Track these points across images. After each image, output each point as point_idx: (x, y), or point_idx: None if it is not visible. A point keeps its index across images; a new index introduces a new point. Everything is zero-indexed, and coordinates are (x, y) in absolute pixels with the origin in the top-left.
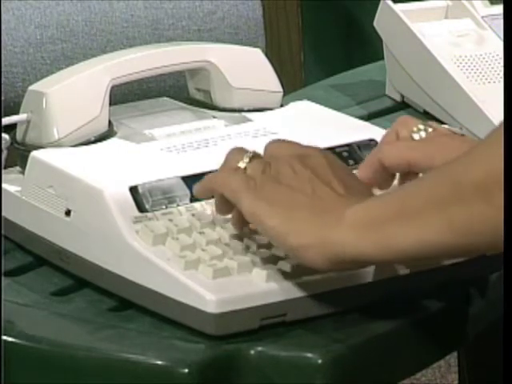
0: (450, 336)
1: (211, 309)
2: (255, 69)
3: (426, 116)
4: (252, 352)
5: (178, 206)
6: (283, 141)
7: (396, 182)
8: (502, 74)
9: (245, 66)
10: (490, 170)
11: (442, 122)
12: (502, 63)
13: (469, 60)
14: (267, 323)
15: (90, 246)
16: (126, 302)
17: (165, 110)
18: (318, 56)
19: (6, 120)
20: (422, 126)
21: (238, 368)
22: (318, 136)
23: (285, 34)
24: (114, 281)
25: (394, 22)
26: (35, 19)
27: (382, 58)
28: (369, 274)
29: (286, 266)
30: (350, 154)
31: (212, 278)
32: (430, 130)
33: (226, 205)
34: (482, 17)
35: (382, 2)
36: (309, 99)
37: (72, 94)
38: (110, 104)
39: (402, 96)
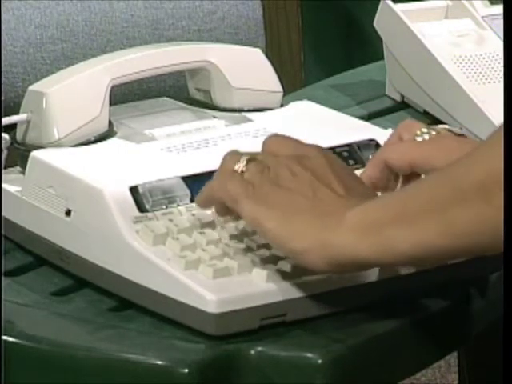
0: (449, 336)
1: (211, 309)
2: (255, 69)
3: (426, 116)
4: (252, 352)
5: (179, 205)
6: (282, 137)
7: (399, 185)
8: (501, 74)
9: (245, 66)
10: (490, 170)
11: (442, 122)
12: (501, 63)
13: (469, 60)
14: (267, 323)
15: (90, 246)
16: (126, 302)
17: (165, 110)
18: (318, 56)
19: (5, 120)
20: (425, 130)
21: (238, 368)
22: (318, 136)
23: (285, 34)
24: (114, 281)
25: (394, 21)
26: (35, 19)
27: (382, 58)
28: (369, 274)
29: (286, 266)
30: (350, 153)
31: (212, 278)
32: (433, 133)
33: (226, 210)
34: (482, 17)
35: (381, 2)
36: (309, 99)
37: (72, 94)
38: (110, 104)
39: (402, 96)
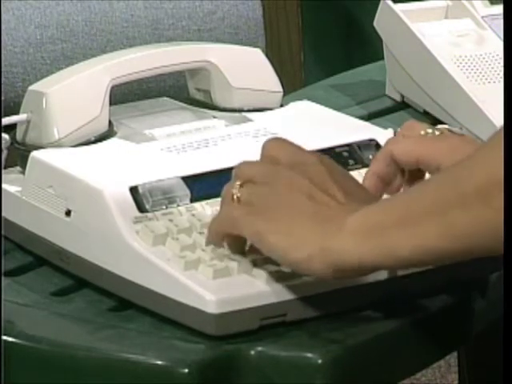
0: (449, 336)
1: (211, 309)
2: (255, 69)
3: (426, 116)
4: (252, 352)
5: (178, 206)
6: (281, 141)
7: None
8: (501, 74)
9: (245, 66)
10: (490, 172)
11: (442, 122)
12: (501, 63)
13: (469, 60)
14: (267, 323)
15: (90, 247)
16: (126, 302)
17: (165, 110)
18: (318, 56)
19: (5, 120)
20: (430, 130)
21: (238, 368)
22: (318, 136)
23: (285, 34)
24: (114, 281)
25: (394, 21)
26: (35, 19)
27: (382, 58)
28: (366, 275)
29: (285, 267)
30: (350, 153)
31: (212, 279)
32: (437, 133)
33: (235, 242)
34: (482, 17)
35: (382, 2)
36: (309, 99)
37: (72, 94)
38: (110, 104)
39: (402, 96)
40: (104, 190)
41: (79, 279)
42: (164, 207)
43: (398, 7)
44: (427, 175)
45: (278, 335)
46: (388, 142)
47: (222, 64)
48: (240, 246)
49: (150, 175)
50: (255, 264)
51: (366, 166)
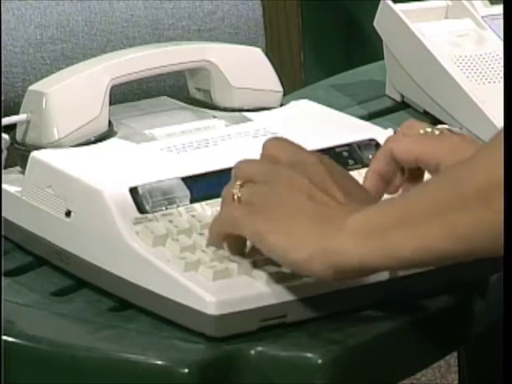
0: (449, 336)
1: (211, 310)
2: (255, 68)
3: (426, 116)
4: (252, 352)
5: (178, 207)
6: (282, 140)
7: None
8: (501, 74)
9: (245, 66)
10: (490, 174)
11: (442, 122)
12: (501, 63)
13: (469, 60)
14: (267, 325)
15: (89, 247)
16: (126, 302)
17: (165, 110)
18: (318, 56)
19: (5, 120)
20: (429, 129)
21: (238, 368)
22: (318, 136)
23: (285, 34)
24: (113, 282)
25: (394, 21)
26: (35, 19)
27: (382, 58)
28: (366, 276)
29: (285, 268)
30: (350, 153)
31: (212, 280)
32: (436, 132)
33: (236, 243)
34: (482, 17)
35: (382, 2)
36: (309, 99)
37: (72, 94)
38: (110, 104)
39: (402, 96)
40: (104, 190)
41: (79, 279)
42: (164, 208)
43: (398, 7)
44: (426, 174)
45: (278, 335)
46: (388, 140)
47: (222, 64)
48: (240, 247)
49: (149, 176)
50: (255, 265)
51: (366, 165)
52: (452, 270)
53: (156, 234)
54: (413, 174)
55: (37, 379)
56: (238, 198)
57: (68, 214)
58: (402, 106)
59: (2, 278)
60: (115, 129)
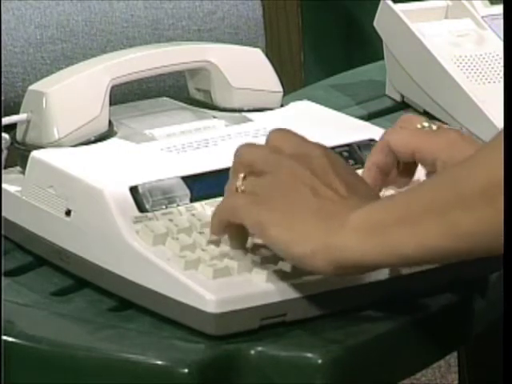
0: (450, 336)
1: (211, 309)
2: (255, 69)
3: (426, 116)
4: (252, 352)
5: (178, 206)
6: (286, 132)
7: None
8: (501, 74)
9: (245, 66)
10: (492, 174)
11: (442, 122)
12: (501, 63)
13: (469, 60)
14: (267, 323)
15: (90, 246)
16: (126, 302)
17: (165, 110)
18: (318, 56)
19: (5, 120)
20: (426, 124)
21: (238, 368)
22: (318, 136)
23: (285, 34)
24: (114, 281)
25: (394, 21)
26: (35, 19)
27: (382, 58)
28: (369, 273)
29: (286, 266)
30: (350, 153)
31: (212, 278)
32: (434, 127)
33: (237, 231)
34: (482, 17)
35: (382, 2)
36: (309, 99)
37: (72, 94)
38: (110, 104)
39: (402, 96)
40: (104, 189)
41: (79, 279)
42: (164, 207)
43: (398, 7)
44: (419, 169)
45: (278, 335)
46: (385, 133)
47: (222, 64)
48: (241, 240)
49: (149, 175)
50: (255, 263)
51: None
52: (451, 269)
53: (156, 232)
54: (406, 167)
55: (37, 379)
56: (242, 190)
57: (68, 213)
58: (402, 106)
59: (2, 278)
60: (115, 129)
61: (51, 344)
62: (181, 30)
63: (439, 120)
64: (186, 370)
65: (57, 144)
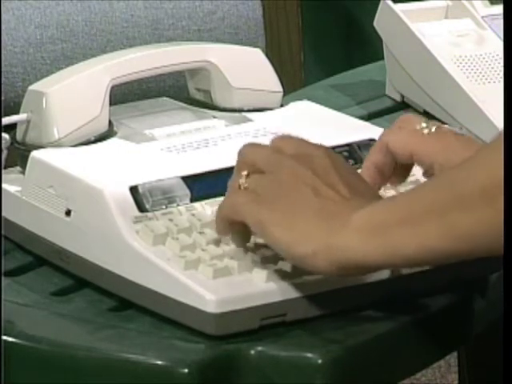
0: (450, 336)
1: (211, 309)
2: (255, 69)
3: (426, 116)
4: (252, 352)
5: (178, 205)
6: (289, 136)
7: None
8: (501, 74)
9: (245, 66)
10: (492, 174)
11: (442, 122)
12: (501, 63)
13: (469, 60)
14: (267, 323)
15: (90, 246)
16: (126, 302)
17: (165, 110)
18: (318, 56)
19: (5, 120)
20: (424, 124)
21: (238, 368)
22: (318, 136)
23: (285, 34)
24: (114, 281)
25: (394, 21)
26: (35, 19)
27: (382, 58)
28: (369, 274)
29: (286, 266)
30: (350, 153)
31: (212, 278)
32: (433, 128)
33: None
34: (482, 17)
35: (382, 2)
36: (309, 99)
37: (72, 94)
38: (110, 104)
39: (402, 96)
40: (104, 189)
41: (79, 279)
42: (164, 207)
43: (398, 7)
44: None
45: (278, 335)
46: (384, 133)
47: (222, 64)
48: (243, 239)
49: (149, 175)
50: (255, 263)
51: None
52: (451, 269)
53: (156, 232)
54: (402, 166)
55: (37, 379)
56: (245, 187)
57: (68, 213)
58: (402, 106)
59: (2, 278)
60: (115, 129)
61: (51, 344)
62: (181, 30)
63: (439, 120)
64: (186, 370)
65: (57, 144)
